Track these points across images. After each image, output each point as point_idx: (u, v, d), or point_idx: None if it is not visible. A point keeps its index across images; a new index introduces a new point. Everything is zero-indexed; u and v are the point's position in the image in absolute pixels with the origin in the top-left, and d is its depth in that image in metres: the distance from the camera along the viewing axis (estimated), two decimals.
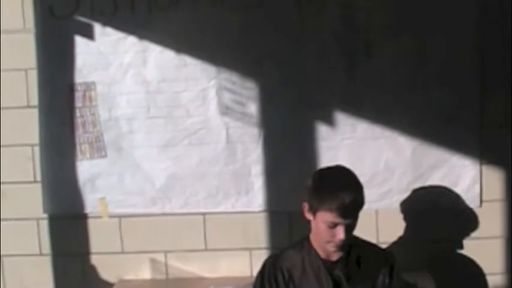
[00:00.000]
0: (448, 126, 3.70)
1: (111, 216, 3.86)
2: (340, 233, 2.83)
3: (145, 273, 3.90)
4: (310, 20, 3.68)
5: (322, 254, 2.99)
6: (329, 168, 3.03)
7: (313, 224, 2.96)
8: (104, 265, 3.91)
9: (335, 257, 2.99)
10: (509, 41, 3.65)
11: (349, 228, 2.86)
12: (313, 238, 3.01)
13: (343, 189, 2.82)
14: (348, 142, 3.72)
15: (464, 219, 3.77)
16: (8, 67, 3.80)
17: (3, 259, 3.95)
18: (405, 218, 3.76)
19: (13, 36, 3.78)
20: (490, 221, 3.77)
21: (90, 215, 3.88)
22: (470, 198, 3.75)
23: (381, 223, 3.77)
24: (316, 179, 2.95)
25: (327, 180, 2.92)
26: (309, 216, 2.95)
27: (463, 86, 3.67)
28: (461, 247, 3.78)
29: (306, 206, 2.95)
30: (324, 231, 2.87)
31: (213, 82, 3.73)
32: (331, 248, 2.91)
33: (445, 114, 3.69)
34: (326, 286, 2.96)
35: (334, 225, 2.83)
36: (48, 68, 3.78)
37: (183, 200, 3.81)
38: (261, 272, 3.07)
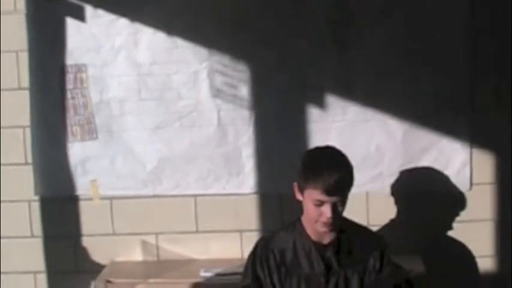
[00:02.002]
0: (438, 110, 3.71)
1: (103, 199, 3.86)
2: (326, 212, 2.82)
3: (137, 255, 3.91)
4: (302, 4, 3.68)
5: (313, 237, 2.98)
6: (318, 148, 3.03)
7: (303, 205, 2.96)
8: (95, 247, 3.92)
9: (326, 239, 2.98)
10: (501, 24, 3.66)
11: (337, 207, 2.85)
12: (305, 220, 3.00)
13: (328, 167, 2.81)
14: (338, 125, 3.73)
15: (454, 202, 3.78)
16: None
17: None
18: (395, 201, 3.77)
19: (4, 17, 3.76)
20: (480, 204, 3.78)
21: (81, 197, 3.88)
22: (461, 181, 3.76)
23: (372, 206, 3.79)
24: (305, 158, 2.95)
25: (314, 158, 2.92)
26: (298, 196, 2.95)
27: (454, 69, 3.68)
28: (451, 230, 3.80)
29: (295, 186, 2.95)
30: (312, 210, 2.86)
31: (204, 65, 3.73)
32: (320, 227, 2.89)
33: (436, 97, 3.70)
34: (317, 268, 2.95)
35: (320, 204, 2.82)
36: (40, 50, 3.77)
37: (174, 182, 3.82)
38: (253, 254, 3.06)
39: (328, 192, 2.79)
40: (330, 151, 2.96)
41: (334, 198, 2.82)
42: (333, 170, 2.80)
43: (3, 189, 3.89)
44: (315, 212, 2.86)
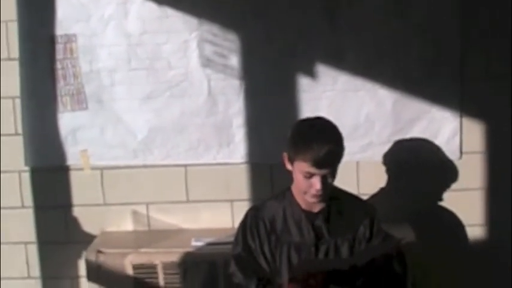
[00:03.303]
0: (428, 79, 3.71)
1: (93, 169, 3.86)
2: (316, 184, 2.83)
3: (128, 225, 3.92)
4: None
5: (303, 205, 2.99)
6: (308, 119, 3.01)
7: (293, 175, 2.97)
8: (86, 217, 3.93)
9: (316, 208, 2.99)
10: None
11: (326, 179, 2.85)
12: (295, 189, 3.01)
13: (318, 140, 2.80)
14: (329, 94, 3.72)
15: (444, 171, 3.80)
16: None
17: None
18: (386, 170, 3.78)
19: None
20: (470, 173, 3.80)
21: (72, 167, 3.88)
22: (450, 150, 3.77)
23: (362, 175, 3.80)
24: (295, 129, 2.94)
25: (304, 130, 2.90)
26: (288, 166, 2.95)
27: (444, 38, 3.68)
28: (441, 199, 3.82)
29: (285, 156, 2.95)
30: (301, 182, 2.87)
31: (194, 34, 3.71)
32: (309, 198, 2.91)
33: (426, 66, 3.70)
34: (307, 237, 2.97)
35: (310, 176, 2.83)
36: (29, 20, 3.75)
37: (165, 152, 3.81)
38: (243, 223, 3.07)
39: (318, 165, 2.79)
40: (320, 122, 2.94)
41: (323, 171, 2.82)
42: (323, 143, 2.80)
43: None
44: (304, 184, 2.86)
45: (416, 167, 3.79)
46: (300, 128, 2.95)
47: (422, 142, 3.75)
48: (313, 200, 2.91)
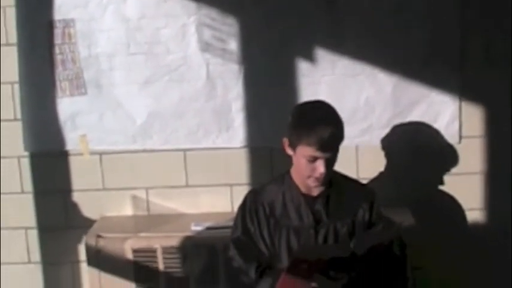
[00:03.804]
0: (428, 63, 3.70)
1: (92, 154, 3.86)
2: (320, 167, 2.83)
3: (127, 210, 3.92)
4: None
5: (302, 189, 2.99)
6: (308, 103, 3.01)
7: (294, 159, 2.96)
8: (86, 202, 3.93)
9: (315, 192, 2.99)
10: None
11: (329, 162, 2.86)
12: (294, 173, 3.01)
13: (321, 123, 2.80)
14: (328, 78, 3.72)
15: (444, 156, 3.80)
16: None
17: None
18: (385, 155, 3.79)
19: None
20: (469, 157, 3.80)
21: (71, 152, 3.87)
22: (450, 135, 3.77)
23: (361, 159, 3.80)
24: (296, 113, 2.94)
25: (306, 114, 2.90)
26: (289, 151, 2.95)
27: (445, 22, 3.67)
28: (441, 183, 3.82)
29: (286, 141, 2.94)
30: (304, 166, 2.87)
31: (193, 18, 3.70)
32: (312, 183, 2.91)
33: (426, 51, 3.69)
34: (306, 221, 2.97)
35: (313, 160, 2.83)
36: (27, 5, 3.73)
37: (164, 137, 3.81)
38: (242, 207, 3.07)
39: (322, 148, 2.79)
40: (320, 106, 2.94)
41: (328, 154, 2.82)
42: (326, 126, 2.80)
43: None
44: (307, 168, 2.86)
45: (416, 151, 3.79)
46: (301, 113, 2.94)
47: (422, 126, 3.75)
48: (316, 183, 2.91)
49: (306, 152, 2.83)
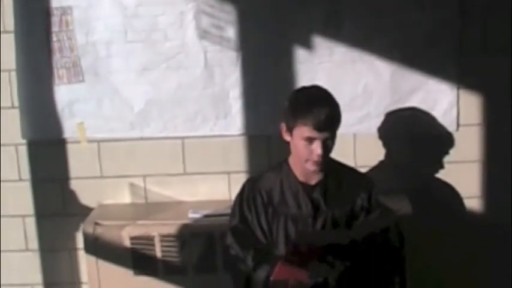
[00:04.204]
0: (426, 51, 3.69)
1: (90, 141, 3.85)
2: (317, 149, 2.82)
3: (125, 198, 3.92)
4: None
5: (301, 177, 2.99)
6: (304, 88, 3.02)
7: (291, 145, 2.96)
8: (84, 190, 3.93)
9: (314, 180, 2.99)
10: None
11: (326, 144, 2.86)
12: (292, 161, 3.01)
13: (317, 103, 2.82)
14: (326, 65, 3.71)
15: (442, 143, 3.80)
16: None
17: None
18: (383, 143, 3.78)
19: None
20: (467, 145, 3.80)
21: (68, 140, 3.87)
22: (448, 122, 3.77)
23: (359, 147, 3.80)
24: (292, 97, 2.95)
25: (302, 96, 2.92)
26: (286, 136, 2.95)
27: (443, 9, 3.65)
28: (438, 171, 3.82)
29: (283, 126, 2.95)
30: (302, 149, 2.87)
31: (190, 5, 3.68)
32: (310, 166, 2.90)
33: (424, 38, 3.68)
34: (305, 209, 2.97)
35: (310, 141, 2.83)
36: None
37: (162, 124, 3.81)
38: (240, 195, 3.07)
39: (319, 128, 2.80)
40: (316, 89, 2.96)
41: (324, 134, 2.82)
42: (322, 105, 2.82)
43: None
44: (305, 151, 2.86)
45: (413, 139, 3.79)
46: (297, 95, 2.96)
47: (419, 114, 3.75)
48: (314, 167, 2.90)
49: (303, 133, 2.83)
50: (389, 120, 3.75)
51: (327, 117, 2.80)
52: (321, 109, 2.79)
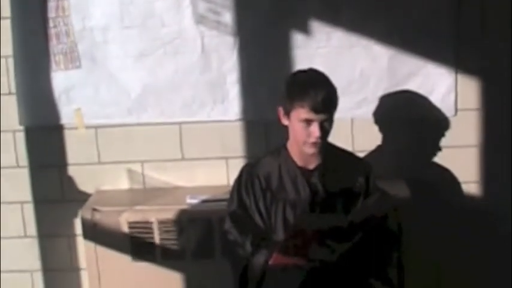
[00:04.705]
0: (424, 35, 3.68)
1: (87, 127, 3.85)
2: (315, 131, 2.83)
3: (123, 183, 3.92)
4: None
5: (299, 162, 3.00)
6: (301, 70, 3.03)
7: (289, 128, 2.96)
8: (81, 176, 3.93)
9: (312, 165, 3.00)
10: None
11: (324, 126, 2.87)
12: (290, 145, 3.02)
13: (314, 85, 2.84)
14: (323, 50, 3.70)
15: (439, 128, 3.79)
16: None
17: None
18: (380, 127, 3.78)
19: None
20: (465, 130, 3.80)
21: (66, 126, 3.86)
22: (446, 107, 3.76)
23: (357, 131, 3.79)
24: (289, 80, 2.97)
25: (299, 79, 2.94)
26: (284, 120, 2.95)
27: None
28: (436, 156, 3.82)
29: (281, 110, 2.95)
30: (300, 131, 2.87)
31: None
32: (308, 149, 2.90)
33: (422, 22, 3.67)
34: (303, 193, 2.98)
35: (308, 123, 2.84)
36: None
37: (159, 110, 3.80)
38: (238, 180, 3.08)
39: (316, 109, 2.81)
40: (313, 71, 2.98)
41: (321, 116, 2.83)
42: (319, 87, 2.83)
43: None
44: (303, 133, 2.87)
45: (411, 123, 3.78)
46: (294, 78, 2.99)
47: (417, 98, 3.74)
48: (312, 149, 2.90)
49: (300, 115, 2.84)
50: (387, 105, 3.74)
51: (324, 99, 2.80)
52: (318, 91, 2.80)
